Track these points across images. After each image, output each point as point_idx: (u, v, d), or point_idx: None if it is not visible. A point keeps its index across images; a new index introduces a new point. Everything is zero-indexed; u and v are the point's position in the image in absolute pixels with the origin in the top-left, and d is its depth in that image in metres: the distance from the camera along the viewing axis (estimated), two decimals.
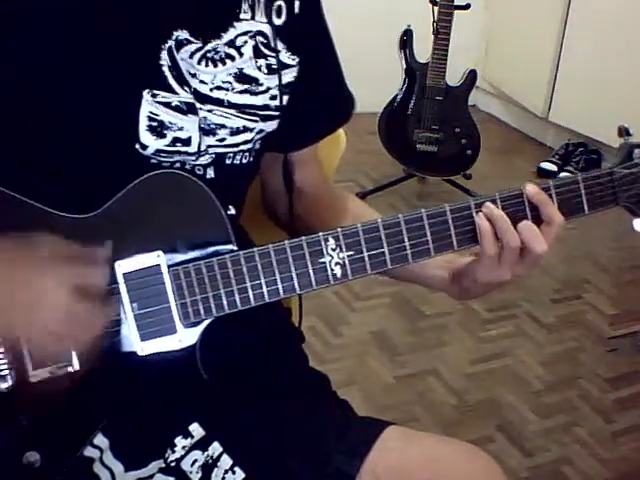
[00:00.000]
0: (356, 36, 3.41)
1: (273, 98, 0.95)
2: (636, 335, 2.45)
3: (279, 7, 0.94)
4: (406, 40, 3.05)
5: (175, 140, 0.88)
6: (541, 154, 3.70)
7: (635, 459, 2.00)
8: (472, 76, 3.09)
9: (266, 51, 0.93)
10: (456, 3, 2.93)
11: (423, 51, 3.05)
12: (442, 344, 2.39)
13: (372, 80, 2.98)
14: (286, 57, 0.96)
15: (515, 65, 3.88)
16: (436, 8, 2.93)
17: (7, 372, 0.81)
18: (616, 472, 1.95)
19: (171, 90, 0.87)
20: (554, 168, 3.54)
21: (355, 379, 2.18)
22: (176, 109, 0.88)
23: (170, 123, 0.87)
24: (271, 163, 1.03)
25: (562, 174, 3.46)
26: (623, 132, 0.92)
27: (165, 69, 0.86)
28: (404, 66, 3.06)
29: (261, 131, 0.96)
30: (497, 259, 0.88)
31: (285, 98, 0.96)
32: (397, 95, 3.08)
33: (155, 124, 0.87)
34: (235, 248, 0.85)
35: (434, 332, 2.43)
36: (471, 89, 3.11)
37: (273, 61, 0.94)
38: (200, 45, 0.88)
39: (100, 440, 0.88)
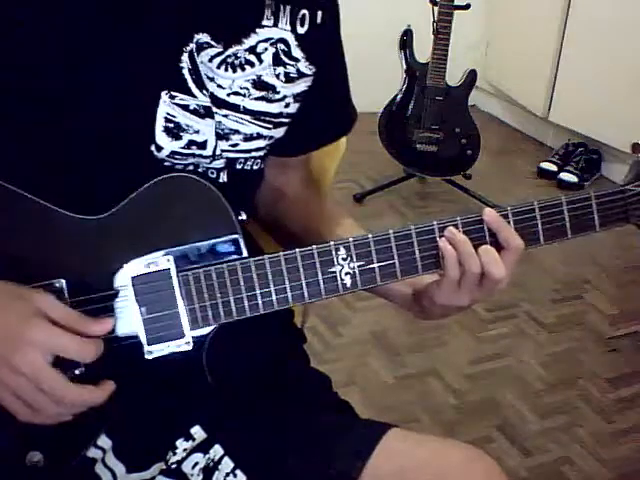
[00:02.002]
0: (356, 36, 3.40)
1: (287, 106, 0.95)
2: (636, 335, 2.46)
3: (303, 16, 0.94)
4: (406, 40, 3.05)
5: (191, 143, 0.88)
6: (541, 154, 3.70)
7: (635, 459, 2.00)
8: (472, 76, 3.09)
9: (286, 59, 0.93)
10: (456, 3, 2.93)
11: (423, 51, 3.04)
12: (442, 344, 2.39)
13: (372, 80, 2.98)
14: (304, 66, 0.95)
15: (515, 65, 3.87)
16: (436, 8, 2.93)
17: None
18: (616, 472, 1.95)
19: (190, 93, 0.87)
20: (554, 168, 3.53)
21: (355, 379, 2.18)
22: (193, 112, 0.88)
23: (187, 125, 0.87)
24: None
25: (562, 174, 3.46)
26: (638, 149, 0.92)
27: (185, 72, 0.86)
28: (404, 66, 3.06)
29: (271, 138, 0.96)
30: (457, 283, 0.88)
31: (296, 106, 0.96)
32: (397, 95, 3.08)
33: (172, 125, 0.87)
34: (245, 254, 0.85)
35: (434, 332, 2.43)
36: (471, 89, 3.11)
37: (292, 70, 0.94)
38: (221, 50, 0.88)
39: (103, 441, 0.88)
